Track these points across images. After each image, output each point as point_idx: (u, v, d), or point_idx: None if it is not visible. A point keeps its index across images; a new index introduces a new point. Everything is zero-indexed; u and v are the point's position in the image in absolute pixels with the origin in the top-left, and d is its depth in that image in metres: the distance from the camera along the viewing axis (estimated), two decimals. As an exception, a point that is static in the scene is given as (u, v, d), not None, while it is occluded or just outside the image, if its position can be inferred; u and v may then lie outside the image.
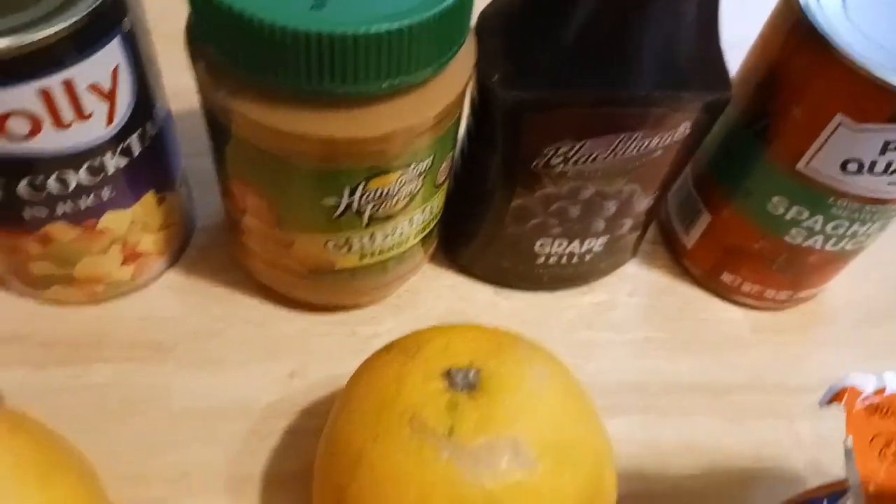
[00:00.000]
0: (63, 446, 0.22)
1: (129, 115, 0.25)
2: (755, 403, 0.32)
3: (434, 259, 0.34)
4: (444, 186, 0.29)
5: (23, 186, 0.24)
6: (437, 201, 0.29)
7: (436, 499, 0.19)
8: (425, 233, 0.30)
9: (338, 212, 0.26)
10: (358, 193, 0.25)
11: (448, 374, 0.22)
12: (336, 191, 0.25)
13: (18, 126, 0.22)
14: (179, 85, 0.28)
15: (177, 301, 0.31)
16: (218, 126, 0.25)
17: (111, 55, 0.23)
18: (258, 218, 0.27)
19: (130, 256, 0.30)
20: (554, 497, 0.20)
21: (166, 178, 0.29)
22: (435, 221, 0.30)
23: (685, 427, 0.31)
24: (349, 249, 0.28)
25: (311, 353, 0.31)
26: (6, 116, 0.22)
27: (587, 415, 0.22)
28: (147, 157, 0.27)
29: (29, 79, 0.21)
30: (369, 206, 0.26)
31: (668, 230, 0.36)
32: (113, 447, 0.27)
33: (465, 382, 0.21)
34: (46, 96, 0.22)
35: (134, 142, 0.26)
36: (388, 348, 0.23)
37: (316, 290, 0.30)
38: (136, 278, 0.31)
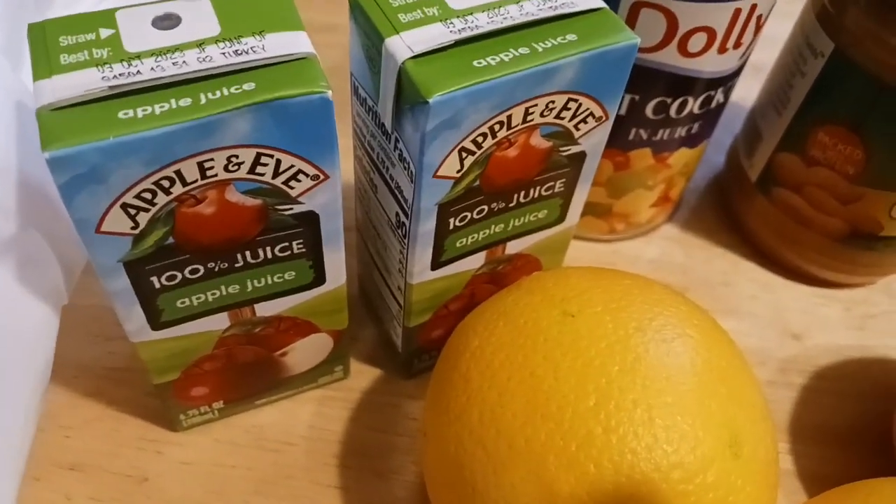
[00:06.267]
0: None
1: (747, 55, 0.27)
2: None
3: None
4: None
5: (651, 106, 0.27)
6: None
7: None
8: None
9: (936, 170, 0.26)
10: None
11: None
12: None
13: (695, 43, 0.25)
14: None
15: (681, 251, 0.33)
16: (841, 64, 0.26)
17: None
18: (836, 170, 0.28)
19: (660, 199, 0.31)
20: None
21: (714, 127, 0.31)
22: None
23: None
24: (910, 215, 0.28)
25: (812, 320, 0.31)
26: (693, 32, 0.24)
27: None
28: (723, 103, 0.29)
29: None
30: (965, 170, 0.26)
31: None
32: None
33: None
34: (735, 17, 0.24)
35: (732, 84, 0.28)
36: None
37: (831, 257, 0.31)
38: (650, 223, 0.33)
